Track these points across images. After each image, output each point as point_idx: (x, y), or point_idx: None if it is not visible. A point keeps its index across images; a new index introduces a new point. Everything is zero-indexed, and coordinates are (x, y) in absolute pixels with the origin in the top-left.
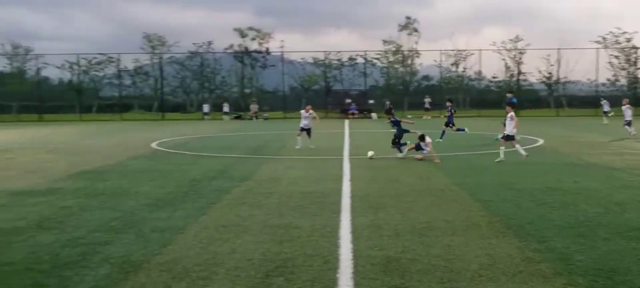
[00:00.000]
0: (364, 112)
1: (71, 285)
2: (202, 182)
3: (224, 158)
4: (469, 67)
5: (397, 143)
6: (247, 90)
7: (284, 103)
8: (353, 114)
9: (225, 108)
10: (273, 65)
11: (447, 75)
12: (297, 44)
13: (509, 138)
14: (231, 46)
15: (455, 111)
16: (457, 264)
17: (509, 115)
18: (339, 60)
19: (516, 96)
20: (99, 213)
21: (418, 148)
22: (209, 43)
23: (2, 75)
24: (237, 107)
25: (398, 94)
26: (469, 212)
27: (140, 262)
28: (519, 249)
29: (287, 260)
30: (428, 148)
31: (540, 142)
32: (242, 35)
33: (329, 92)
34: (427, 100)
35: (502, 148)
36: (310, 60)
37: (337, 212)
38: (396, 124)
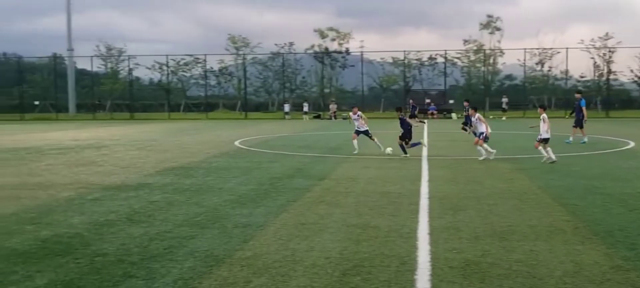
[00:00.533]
0: (444, 112)
1: (158, 277)
2: (282, 180)
3: (303, 157)
4: (555, 66)
5: (405, 142)
6: (327, 90)
7: (362, 103)
8: (432, 113)
9: (305, 107)
10: (352, 65)
11: (532, 74)
12: (376, 44)
13: (544, 140)
14: (312, 47)
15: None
16: (540, 270)
17: (541, 116)
18: (418, 59)
19: (606, 96)
20: (185, 208)
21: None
22: (291, 44)
23: (97, 76)
24: (316, 106)
25: (479, 94)
26: (553, 216)
27: (222, 257)
28: (606, 256)
29: (364, 260)
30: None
31: (632, 144)
32: (322, 35)
33: (408, 92)
34: (504, 100)
35: (540, 148)
36: (390, 60)
37: (415, 213)
38: (403, 123)
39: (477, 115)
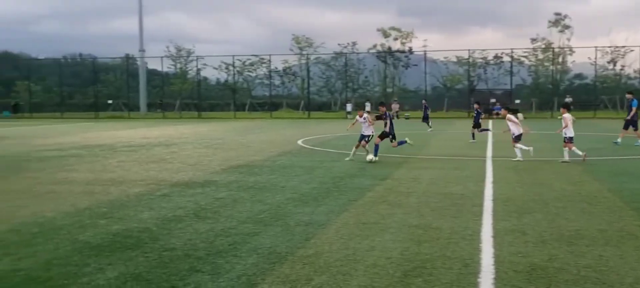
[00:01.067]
0: (511, 112)
1: (223, 272)
2: (344, 179)
3: (365, 156)
4: (628, 65)
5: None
6: (389, 90)
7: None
8: (497, 114)
9: (368, 107)
10: (415, 65)
11: (603, 73)
12: (439, 43)
13: (569, 140)
14: (374, 46)
15: (483, 113)
16: (611, 277)
17: (563, 116)
18: (483, 58)
19: None
20: (249, 206)
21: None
22: (353, 43)
23: (167, 76)
24: (378, 106)
25: (547, 93)
26: (624, 221)
27: (285, 254)
28: None
29: (426, 261)
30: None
31: None
32: (385, 35)
33: (473, 92)
34: (568, 100)
35: (571, 150)
36: (454, 59)
37: (479, 214)
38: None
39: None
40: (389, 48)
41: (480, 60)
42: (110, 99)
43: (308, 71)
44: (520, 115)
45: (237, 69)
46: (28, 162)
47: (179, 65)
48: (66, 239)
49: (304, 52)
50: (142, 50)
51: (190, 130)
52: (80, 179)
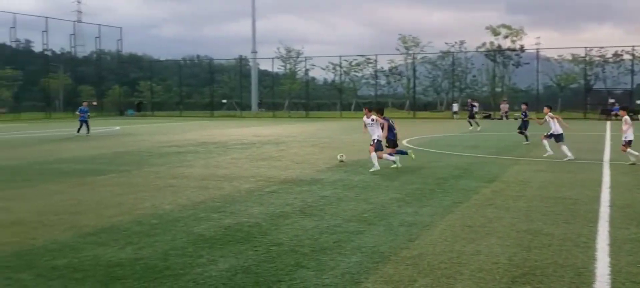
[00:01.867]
0: (630, 113)
1: (327, 269)
2: (449, 180)
3: (471, 157)
4: None
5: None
6: (498, 89)
7: (537, 102)
8: (616, 115)
9: (476, 108)
10: (527, 63)
11: None
12: (552, 41)
13: (629, 143)
14: (483, 44)
15: (528, 116)
16: None
17: (623, 118)
18: (601, 56)
19: None
20: (354, 204)
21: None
22: (461, 42)
23: (277, 76)
24: (486, 106)
25: None
26: None
27: (388, 254)
28: None
29: (535, 268)
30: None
31: None
32: (495, 33)
33: (589, 91)
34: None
35: (633, 152)
36: (568, 58)
37: (594, 221)
38: (390, 127)
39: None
40: (499, 46)
41: (598, 58)
42: (224, 99)
43: (414, 71)
44: None
45: (344, 69)
46: (150, 157)
47: (288, 66)
48: (182, 231)
49: (410, 52)
50: (254, 52)
51: (298, 129)
52: (196, 174)
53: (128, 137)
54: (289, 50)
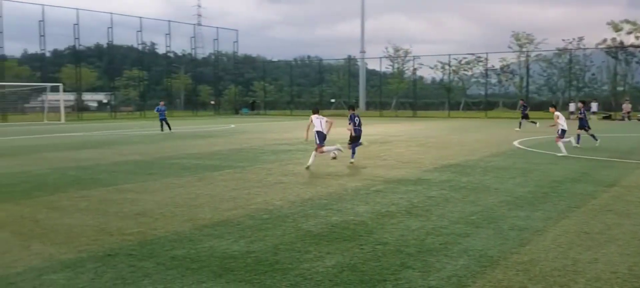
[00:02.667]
0: None
1: (433, 271)
2: (564, 184)
3: (589, 160)
4: None
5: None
6: (620, 88)
7: None
8: None
9: (593, 107)
10: None
11: None
12: None
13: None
14: (604, 41)
15: (585, 114)
16: None
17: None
18: None
19: None
20: (461, 206)
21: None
22: (579, 39)
23: (384, 75)
24: (606, 106)
25: None
26: None
27: (497, 258)
28: None
29: None
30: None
31: None
32: (616, 28)
33: None
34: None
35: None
36: None
37: None
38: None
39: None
40: (621, 42)
41: None
42: (333, 98)
43: (527, 69)
44: None
45: (453, 67)
46: (262, 155)
47: (396, 65)
48: (291, 227)
49: (523, 50)
50: (362, 52)
51: (405, 128)
52: (304, 172)
53: (242, 135)
54: (396, 50)
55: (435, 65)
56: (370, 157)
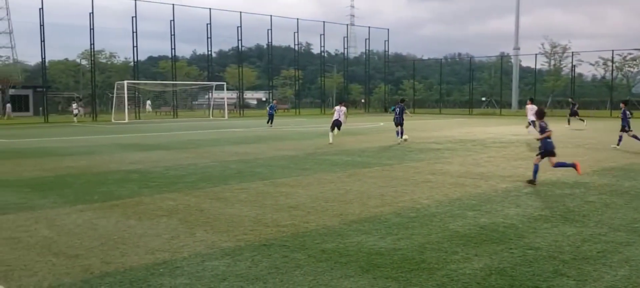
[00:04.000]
0: None
1: (589, 280)
2: None
3: None
4: None
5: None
6: None
7: None
8: None
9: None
10: None
11: None
12: None
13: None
14: None
15: (630, 114)
16: None
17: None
18: None
19: None
20: (623, 212)
21: None
22: None
23: (539, 73)
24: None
25: None
26: None
27: None
28: None
29: None
30: None
31: None
32: None
33: None
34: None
35: None
36: None
37: None
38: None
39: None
40: None
41: None
42: (483, 96)
43: None
44: None
45: (616, 64)
46: (410, 153)
47: (552, 62)
48: (438, 226)
49: None
50: (516, 48)
51: (560, 128)
52: (452, 171)
53: (390, 133)
54: (553, 46)
55: (596, 62)
56: (523, 157)
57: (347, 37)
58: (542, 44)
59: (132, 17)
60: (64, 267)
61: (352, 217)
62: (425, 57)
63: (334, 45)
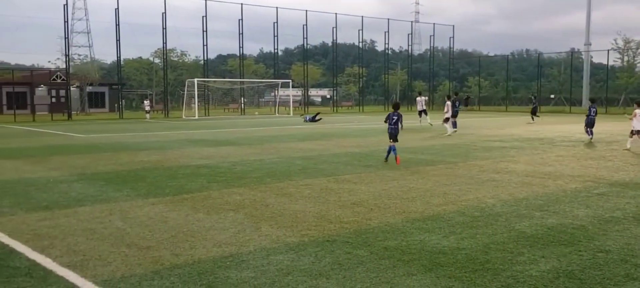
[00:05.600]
0: None
1: None
2: None
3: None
4: None
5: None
6: None
7: None
8: None
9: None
10: None
11: None
12: None
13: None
14: None
15: None
16: None
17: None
18: None
19: None
20: None
21: None
22: None
23: (612, 70)
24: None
25: None
26: None
27: None
28: None
29: None
30: None
31: None
32: None
33: None
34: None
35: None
36: None
37: None
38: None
39: None
40: None
41: None
42: (552, 93)
43: None
44: None
45: None
46: (474, 151)
47: (626, 58)
48: (503, 226)
49: None
50: (587, 44)
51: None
52: (519, 170)
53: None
54: (627, 42)
55: None
56: (593, 157)
57: (411, 34)
58: (615, 40)
59: (203, 16)
60: (136, 257)
61: (415, 215)
62: (491, 54)
63: (398, 43)
